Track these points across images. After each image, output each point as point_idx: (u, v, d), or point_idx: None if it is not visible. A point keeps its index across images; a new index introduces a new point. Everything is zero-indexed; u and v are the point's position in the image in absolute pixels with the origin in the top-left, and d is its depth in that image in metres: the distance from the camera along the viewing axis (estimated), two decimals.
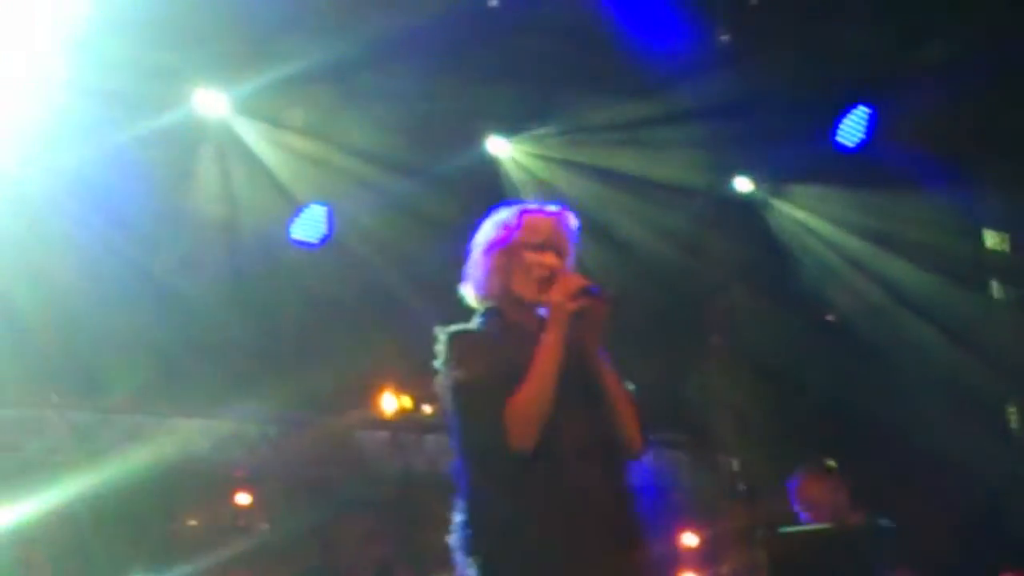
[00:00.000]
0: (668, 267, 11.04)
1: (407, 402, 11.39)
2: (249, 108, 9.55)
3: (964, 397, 10.53)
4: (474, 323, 4.43)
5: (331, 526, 11.07)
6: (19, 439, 10.42)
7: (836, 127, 10.49)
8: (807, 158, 10.71)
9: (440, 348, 4.28)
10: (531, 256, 4.35)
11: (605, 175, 10.65)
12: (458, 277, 4.54)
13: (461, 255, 4.56)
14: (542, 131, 10.40)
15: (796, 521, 7.44)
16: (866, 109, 10.45)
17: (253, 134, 9.66)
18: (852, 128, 10.49)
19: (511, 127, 10.45)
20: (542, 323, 4.28)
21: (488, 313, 4.43)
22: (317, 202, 10.18)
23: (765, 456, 11.38)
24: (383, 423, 11.50)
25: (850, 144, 10.50)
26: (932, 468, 10.28)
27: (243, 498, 11.19)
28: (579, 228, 4.49)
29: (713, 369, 11.81)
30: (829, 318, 11.63)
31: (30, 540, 9.84)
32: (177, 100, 9.32)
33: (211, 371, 10.33)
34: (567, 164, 10.60)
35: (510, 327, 4.36)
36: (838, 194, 10.98)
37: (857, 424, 10.64)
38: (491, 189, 10.19)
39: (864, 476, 7.61)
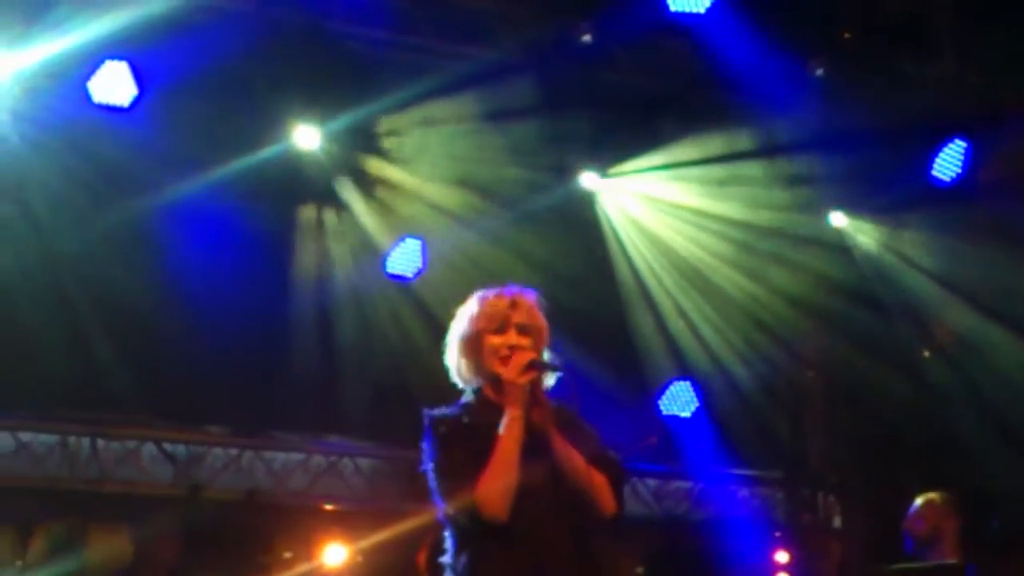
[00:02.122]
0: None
1: None
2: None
3: None
4: (457, 404, 4.82)
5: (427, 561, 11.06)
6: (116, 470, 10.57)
7: (932, 161, 10.37)
8: (903, 192, 10.60)
9: (425, 424, 4.69)
10: (493, 339, 4.73)
11: (698, 214, 10.64)
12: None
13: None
14: (635, 167, 10.37)
15: (894, 557, 7.39)
16: (962, 143, 10.33)
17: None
18: (948, 162, 10.37)
19: (605, 163, 10.43)
20: None
21: (470, 394, 4.84)
22: (411, 236, 10.25)
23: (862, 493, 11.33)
24: None
25: (946, 178, 10.38)
26: None
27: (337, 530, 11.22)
28: (540, 302, 4.86)
29: (810, 406, 11.77)
30: (925, 354, 11.48)
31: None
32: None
33: (308, 402, 10.42)
34: (659, 201, 10.61)
35: (488, 406, 4.72)
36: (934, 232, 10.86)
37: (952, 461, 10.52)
38: (584, 225, 10.24)
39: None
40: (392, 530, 10.37)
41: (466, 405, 4.81)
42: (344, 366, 10.47)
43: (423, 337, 10.18)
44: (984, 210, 10.36)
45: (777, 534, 12.63)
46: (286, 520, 10.98)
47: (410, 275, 10.28)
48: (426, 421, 4.70)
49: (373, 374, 10.57)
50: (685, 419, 11.55)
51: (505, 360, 4.68)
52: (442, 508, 4.62)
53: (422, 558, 9.63)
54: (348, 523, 11.16)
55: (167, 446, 10.74)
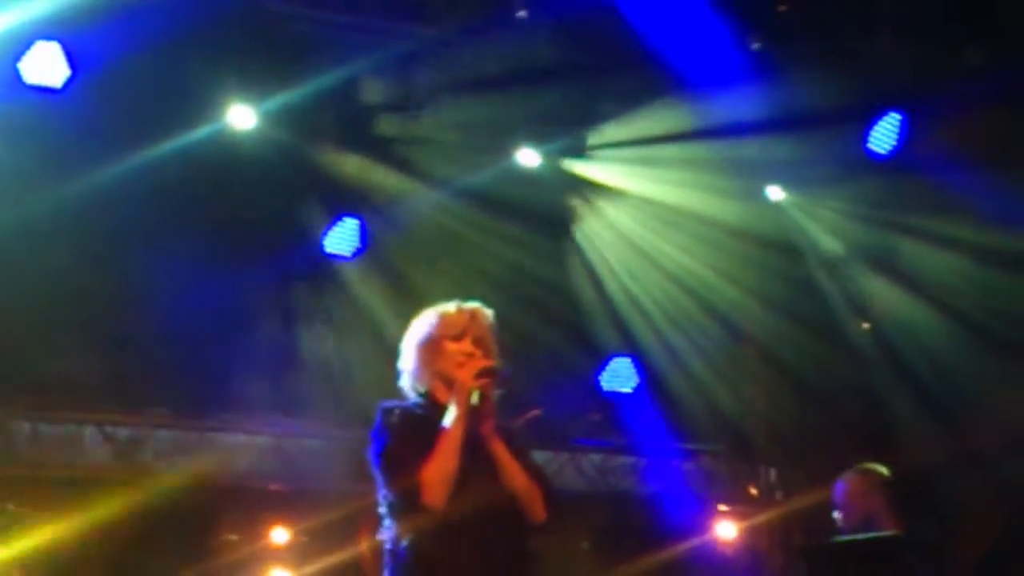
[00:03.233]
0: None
1: None
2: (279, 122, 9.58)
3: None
4: (409, 402, 5.14)
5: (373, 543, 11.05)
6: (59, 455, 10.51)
7: (868, 134, 10.42)
8: (840, 166, 10.64)
9: (377, 419, 5.01)
10: (450, 345, 5.08)
11: (636, 189, 10.67)
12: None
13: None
14: (571, 144, 10.38)
15: (834, 528, 7.42)
16: (898, 116, 10.37)
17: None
18: (884, 135, 10.42)
19: (541, 139, 10.42)
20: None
21: (421, 396, 5.14)
22: (350, 215, 10.22)
23: (801, 465, 11.39)
24: None
25: (882, 151, 10.43)
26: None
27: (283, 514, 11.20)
28: (493, 321, 5.20)
29: (748, 379, 11.82)
30: (865, 326, 11.55)
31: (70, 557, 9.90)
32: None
33: (248, 384, 10.39)
34: (598, 181, 10.63)
35: (437, 407, 5.01)
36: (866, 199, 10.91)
37: (891, 432, 10.60)
38: (521, 200, 10.25)
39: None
40: (337, 512, 10.38)
41: (416, 404, 5.11)
42: (292, 348, 10.47)
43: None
44: (920, 182, 10.40)
45: (722, 508, 12.71)
46: (231, 502, 10.96)
47: (348, 254, 10.29)
48: (379, 409, 5.03)
49: (321, 356, 10.58)
50: (629, 394, 11.59)
51: (461, 365, 5.00)
52: (383, 493, 4.91)
53: (364, 543, 9.67)
54: (294, 505, 11.16)
55: (108, 429, 10.70)
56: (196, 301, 9.81)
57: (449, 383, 5.02)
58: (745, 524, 12.54)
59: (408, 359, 5.16)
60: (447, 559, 4.79)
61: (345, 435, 10.88)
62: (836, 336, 11.32)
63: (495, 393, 5.00)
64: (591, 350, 11.45)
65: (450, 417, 4.88)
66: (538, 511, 4.98)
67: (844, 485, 7.45)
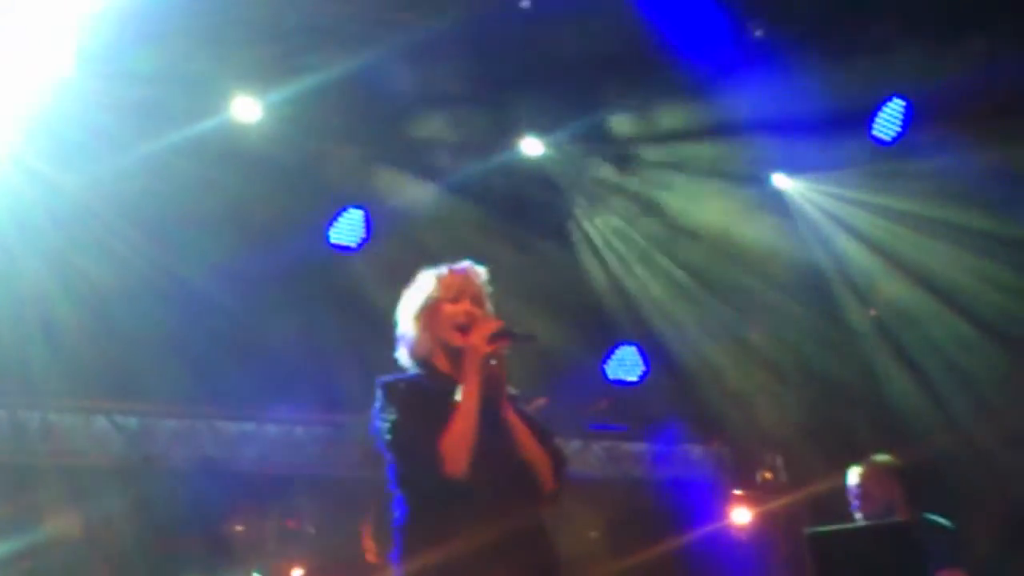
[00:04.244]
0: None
1: None
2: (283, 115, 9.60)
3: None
4: (408, 375, 4.97)
5: (370, 530, 11.12)
6: (70, 444, 10.57)
7: (872, 121, 10.40)
8: (844, 153, 10.62)
9: (377, 396, 4.84)
10: (449, 307, 4.93)
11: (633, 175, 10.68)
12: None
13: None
14: (575, 133, 10.37)
15: (841, 517, 7.44)
16: (901, 102, 10.36)
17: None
18: (889, 122, 10.40)
19: (545, 128, 10.42)
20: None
21: (421, 367, 4.97)
22: (355, 206, 10.24)
23: (809, 452, 11.40)
24: None
25: (887, 138, 10.41)
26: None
27: (291, 500, 11.27)
28: (487, 278, 5.09)
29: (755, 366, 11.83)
30: (872, 313, 11.55)
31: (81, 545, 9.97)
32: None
33: (255, 375, 10.42)
34: (599, 167, 10.63)
35: (440, 377, 4.88)
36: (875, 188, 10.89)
37: (898, 421, 10.61)
38: (527, 190, 10.26)
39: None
40: (343, 498, 10.44)
41: (418, 375, 4.93)
42: (295, 337, 10.50)
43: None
44: (924, 169, 10.38)
45: (737, 492, 12.75)
46: (240, 491, 11.02)
47: (353, 245, 10.31)
48: (380, 386, 4.83)
49: (321, 344, 10.60)
50: (637, 382, 11.62)
51: (463, 329, 4.85)
52: (397, 468, 4.73)
53: (367, 530, 9.73)
54: (302, 492, 11.23)
55: (118, 418, 10.76)
56: (203, 291, 9.86)
57: (449, 350, 4.87)
58: (757, 510, 12.58)
59: (406, 327, 5.00)
60: (462, 529, 4.61)
61: (352, 422, 10.97)
62: (843, 322, 11.32)
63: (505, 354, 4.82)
64: (599, 338, 11.46)
65: (466, 384, 4.71)
66: (548, 480, 4.83)
67: (861, 475, 7.47)
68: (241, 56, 9.23)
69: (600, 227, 11.14)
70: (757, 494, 12.83)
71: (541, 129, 10.33)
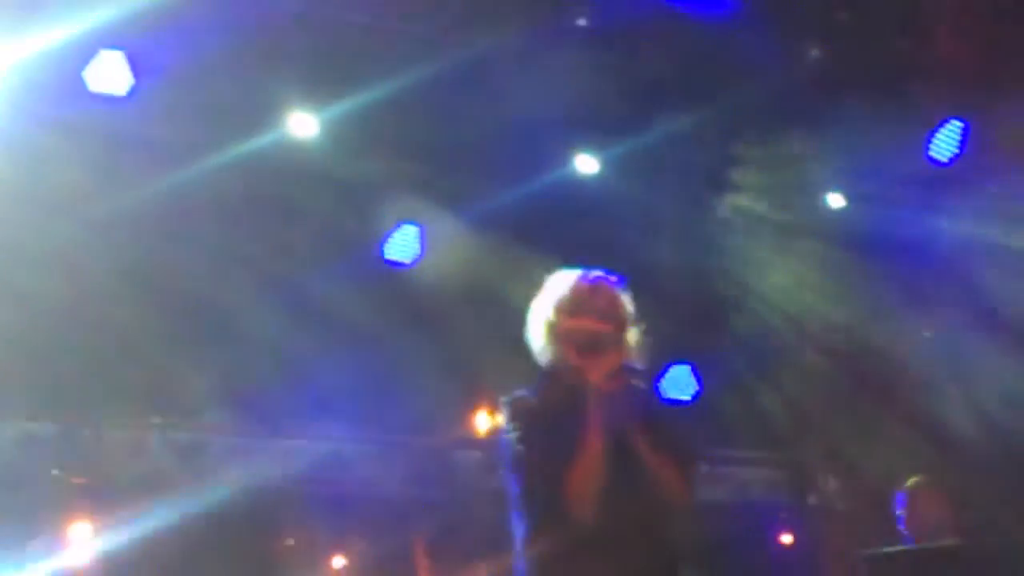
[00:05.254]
0: None
1: (501, 420, 11.40)
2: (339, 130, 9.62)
3: None
4: (535, 388, 4.77)
5: (423, 547, 11.13)
6: (122, 461, 10.61)
7: (929, 142, 10.34)
8: (901, 173, 10.57)
9: (503, 414, 4.73)
10: (570, 323, 4.69)
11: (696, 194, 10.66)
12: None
13: (553, 273, 4.91)
14: (629, 149, 10.35)
15: (894, 540, 7.39)
16: (959, 123, 10.29)
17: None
18: (946, 142, 10.34)
19: (600, 145, 10.41)
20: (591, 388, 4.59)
21: (546, 376, 4.79)
22: (409, 222, 10.25)
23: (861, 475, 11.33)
24: (478, 442, 11.55)
25: (943, 159, 10.35)
26: None
27: (339, 519, 11.28)
28: (623, 289, 4.80)
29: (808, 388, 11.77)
30: (926, 334, 11.48)
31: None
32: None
33: (304, 392, 10.44)
34: (653, 184, 10.61)
35: (564, 390, 4.63)
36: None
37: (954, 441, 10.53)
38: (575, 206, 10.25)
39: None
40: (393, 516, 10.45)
41: (544, 389, 4.75)
42: (348, 354, 10.51)
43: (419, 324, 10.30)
44: (982, 190, 10.33)
45: (782, 515, 12.68)
46: (291, 508, 11.05)
47: (408, 261, 10.32)
48: (505, 406, 4.74)
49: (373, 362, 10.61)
50: (690, 401, 11.55)
51: (581, 348, 4.64)
52: (521, 497, 4.62)
53: (420, 547, 9.71)
54: (352, 511, 11.24)
55: (171, 435, 10.80)
56: (257, 308, 9.88)
57: (568, 365, 4.66)
58: (806, 532, 12.51)
59: (533, 335, 4.83)
60: (588, 566, 4.49)
61: (403, 442, 10.98)
62: (896, 342, 11.26)
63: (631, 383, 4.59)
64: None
65: (590, 423, 4.49)
66: (679, 497, 4.61)
67: (909, 496, 7.43)
68: (298, 72, 9.30)
69: None
70: (806, 517, 12.77)
71: (595, 147, 10.32)
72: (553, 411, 4.61)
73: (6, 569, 9.43)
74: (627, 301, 4.78)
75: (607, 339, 4.65)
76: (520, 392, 4.75)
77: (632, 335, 4.75)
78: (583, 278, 4.79)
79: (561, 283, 4.81)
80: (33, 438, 10.24)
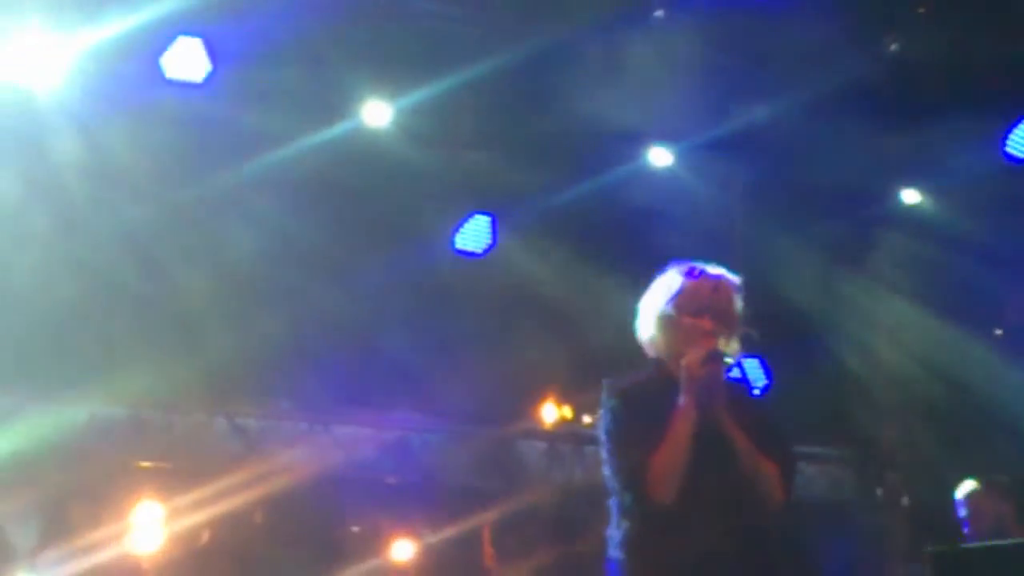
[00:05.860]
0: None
1: (568, 412, 11.41)
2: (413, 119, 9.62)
3: None
4: (640, 375, 4.76)
5: (489, 535, 11.12)
6: (190, 445, 10.66)
7: (1006, 137, 10.24)
8: (976, 169, 10.47)
9: (603, 393, 4.66)
10: (689, 321, 4.64)
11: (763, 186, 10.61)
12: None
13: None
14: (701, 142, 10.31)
15: (959, 536, 7.34)
16: None
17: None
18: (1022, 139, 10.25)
19: (673, 137, 10.36)
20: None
21: (654, 365, 4.76)
22: (481, 212, 10.25)
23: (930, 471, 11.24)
24: (543, 433, 11.54)
25: (1020, 155, 10.26)
26: None
27: (404, 507, 11.29)
28: (741, 288, 4.72)
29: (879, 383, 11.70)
30: (997, 332, 11.38)
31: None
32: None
33: (373, 379, 10.47)
34: (724, 176, 10.57)
35: (671, 382, 4.60)
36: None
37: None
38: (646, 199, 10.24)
39: None
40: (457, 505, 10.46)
41: (648, 378, 4.73)
42: (416, 342, 10.53)
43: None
44: None
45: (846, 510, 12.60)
46: (355, 494, 11.07)
47: (480, 251, 10.32)
48: (606, 390, 4.67)
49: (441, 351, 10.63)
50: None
51: (696, 344, 4.57)
52: (611, 480, 4.61)
53: (487, 535, 9.69)
54: (414, 498, 11.25)
55: (239, 420, 10.85)
56: (327, 295, 9.92)
57: (679, 360, 4.57)
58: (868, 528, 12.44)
59: (646, 322, 4.76)
60: (672, 553, 4.45)
61: (469, 431, 10.98)
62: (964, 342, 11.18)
63: (728, 367, 4.56)
64: None
65: (679, 409, 4.47)
66: (775, 494, 4.54)
67: (971, 494, 7.38)
68: (373, 60, 9.32)
69: None
70: (872, 513, 12.69)
71: (670, 138, 10.29)
72: (648, 395, 4.59)
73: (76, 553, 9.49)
74: (741, 302, 4.72)
75: (720, 341, 4.62)
76: (622, 380, 4.71)
77: (739, 336, 4.70)
78: (705, 275, 4.73)
79: (679, 277, 4.74)
80: (104, 423, 10.29)
